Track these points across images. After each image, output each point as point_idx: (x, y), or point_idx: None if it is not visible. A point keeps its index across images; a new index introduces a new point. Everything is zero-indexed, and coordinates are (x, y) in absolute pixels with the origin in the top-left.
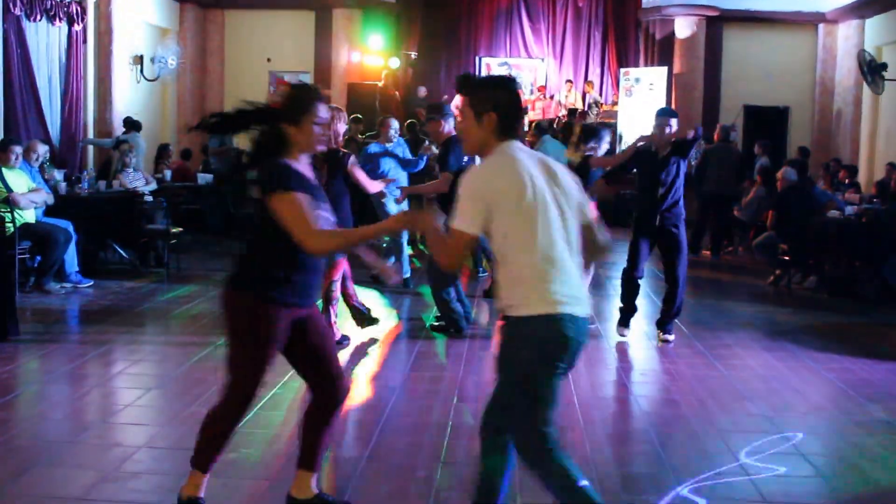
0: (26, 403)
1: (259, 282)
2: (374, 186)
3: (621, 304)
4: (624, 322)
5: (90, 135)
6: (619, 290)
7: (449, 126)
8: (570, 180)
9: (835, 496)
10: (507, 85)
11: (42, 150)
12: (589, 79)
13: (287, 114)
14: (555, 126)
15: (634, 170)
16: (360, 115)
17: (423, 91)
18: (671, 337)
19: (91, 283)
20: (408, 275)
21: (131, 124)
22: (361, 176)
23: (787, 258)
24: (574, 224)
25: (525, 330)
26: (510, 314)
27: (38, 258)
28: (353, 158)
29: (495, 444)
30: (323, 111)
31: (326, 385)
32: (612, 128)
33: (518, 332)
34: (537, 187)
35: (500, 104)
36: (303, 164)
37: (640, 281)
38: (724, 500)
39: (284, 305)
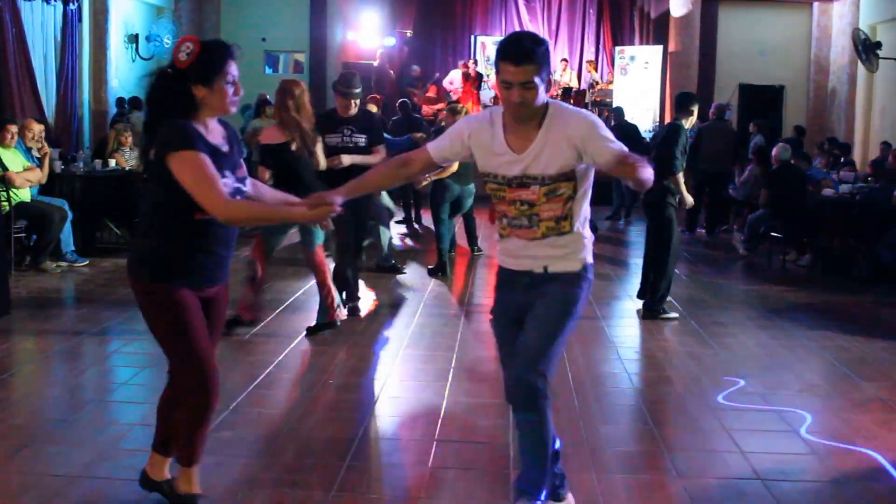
0: (22, 382)
1: (159, 262)
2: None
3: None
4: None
5: (85, 114)
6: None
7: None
8: None
9: (829, 474)
10: None
11: (37, 129)
12: (588, 59)
13: (197, 73)
14: None
15: None
16: None
17: (415, 69)
18: None
19: (87, 261)
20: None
21: (133, 103)
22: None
23: (778, 235)
24: None
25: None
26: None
27: (34, 237)
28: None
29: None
30: (235, 69)
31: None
32: (608, 106)
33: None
34: None
35: None
36: (212, 131)
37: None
38: (718, 478)
39: (189, 287)
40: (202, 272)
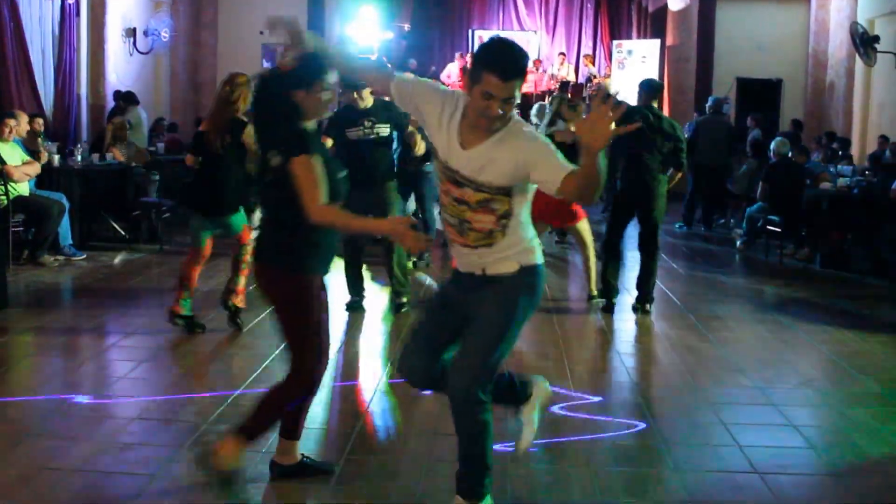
0: (20, 376)
1: (293, 252)
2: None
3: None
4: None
5: (83, 107)
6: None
7: None
8: None
9: (827, 468)
10: None
11: (24, 120)
12: (585, 52)
13: (297, 79)
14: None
15: None
16: None
17: (412, 63)
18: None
19: (84, 255)
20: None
21: (127, 98)
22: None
23: (777, 230)
24: None
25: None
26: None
27: (32, 230)
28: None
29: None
30: (333, 78)
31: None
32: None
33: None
34: None
35: None
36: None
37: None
38: (716, 471)
39: (316, 273)
40: (326, 260)
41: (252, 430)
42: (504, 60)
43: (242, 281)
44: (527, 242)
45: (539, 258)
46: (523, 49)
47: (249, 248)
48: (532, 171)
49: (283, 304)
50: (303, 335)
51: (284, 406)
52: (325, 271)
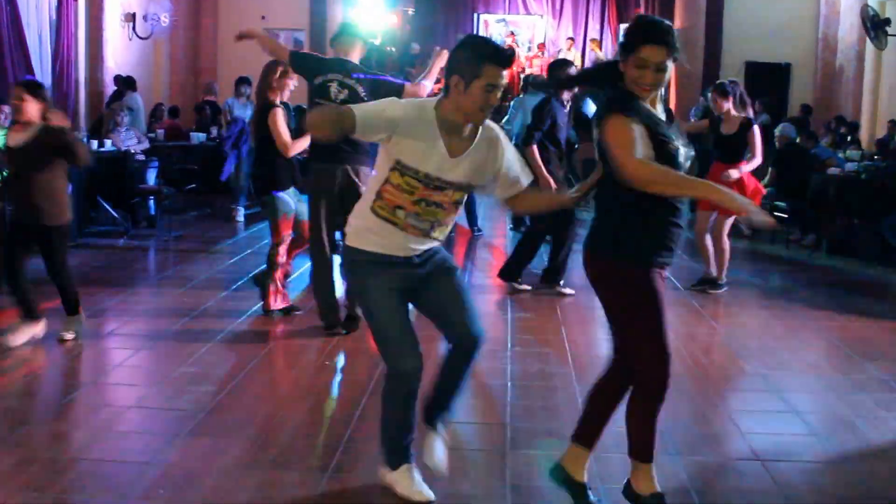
0: (17, 362)
1: (623, 241)
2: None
3: None
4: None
5: (81, 93)
6: None
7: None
8: None
9: (829, 454)
10: None
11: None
12: (592, 37)
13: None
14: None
15: None
16: None
17: (415, 47)
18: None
19: (77, 242)
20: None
21: (126, 83)
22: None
23: (784, 215)
24: None
25: None
26: None
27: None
28: (278, 111)
29: None
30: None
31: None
32: None
33: None
34: None
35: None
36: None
37: None
38: (718, 458)
39: (652, 264)
40: (669, 248)
41: (641, 449)
42: (499, 49)
43: (270, 281)
44: None
45: None
46: None
47: (278, 249)
48: (507, 171)
49: (613, 301)
50: (638, 337)
51: (655, 416)
52: (665, 262)
